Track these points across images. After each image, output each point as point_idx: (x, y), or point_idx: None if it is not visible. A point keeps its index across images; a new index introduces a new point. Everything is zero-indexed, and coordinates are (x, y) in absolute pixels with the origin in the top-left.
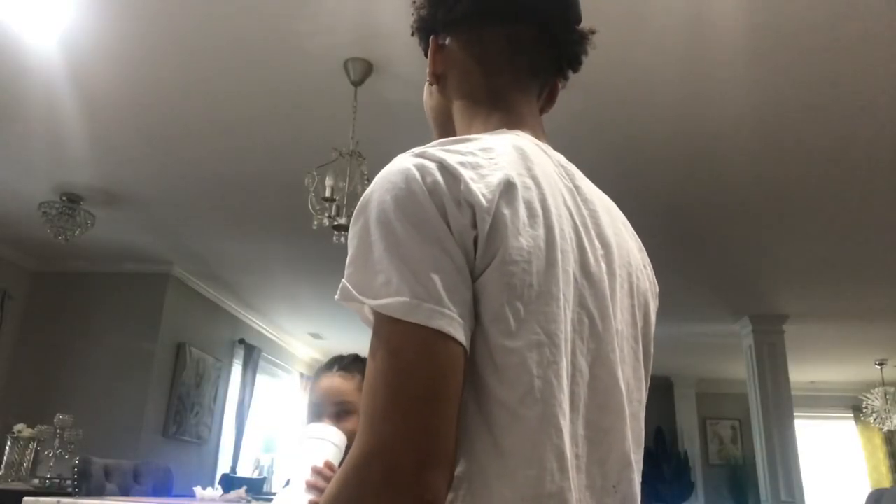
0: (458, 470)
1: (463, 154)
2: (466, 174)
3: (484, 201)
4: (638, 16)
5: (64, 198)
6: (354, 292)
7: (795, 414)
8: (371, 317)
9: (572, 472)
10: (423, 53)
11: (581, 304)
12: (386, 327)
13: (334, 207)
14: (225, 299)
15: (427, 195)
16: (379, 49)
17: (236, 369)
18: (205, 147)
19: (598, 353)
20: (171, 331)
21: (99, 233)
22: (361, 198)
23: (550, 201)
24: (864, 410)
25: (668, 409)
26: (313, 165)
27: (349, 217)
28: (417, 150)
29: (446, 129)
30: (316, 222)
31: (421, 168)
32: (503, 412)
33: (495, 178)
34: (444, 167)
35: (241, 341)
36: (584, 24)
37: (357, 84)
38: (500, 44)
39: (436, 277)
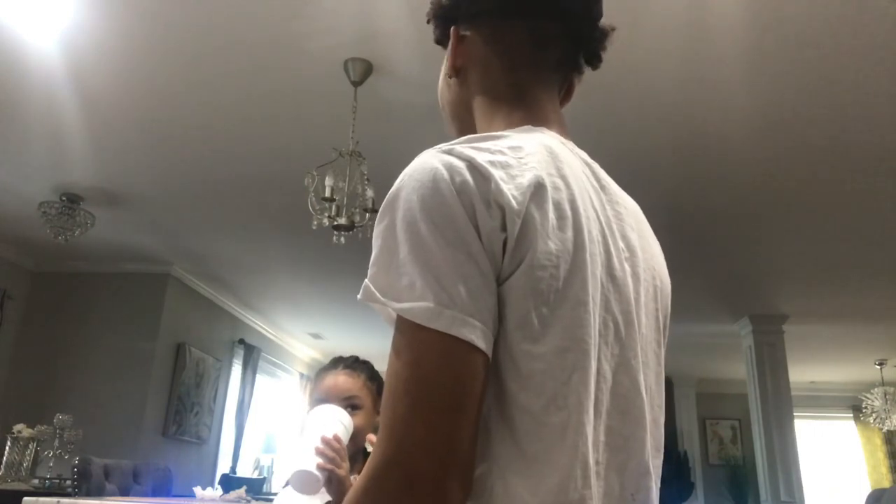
0: (479, 473)
1: (492, 153)
2: (497, 174)
3: (514, 203)
4: (638, 18)
5: (64, 198)
6: (377, 294)
7: (795, 414)
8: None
9: (593, 480)
10: (434, 43)
11: (606, 307)
12: (408, 332)
13: (334, 207)
14: (225, 299)
15: (455, 196)
16: (379, 49)
17: (236, 369)
18: (205, 147)
19: (621, 359)
20: (171, 331)
21: (99, 233)
22: (387, 196)
23: (579, 202)
24: (864, 410)
25: (668, 410)
26: (313, 165)
27: (349, 217)
28: (444, 146)
29: (465, 124)
30: (316, 222)
31: (449, 167)
32: (527, 418)
33: (525, 178)
34: (473, 166)
35: (241, 341)
36: (604, 21)
37: (357, 84)
38: (523, 38)
39: (460, 283)
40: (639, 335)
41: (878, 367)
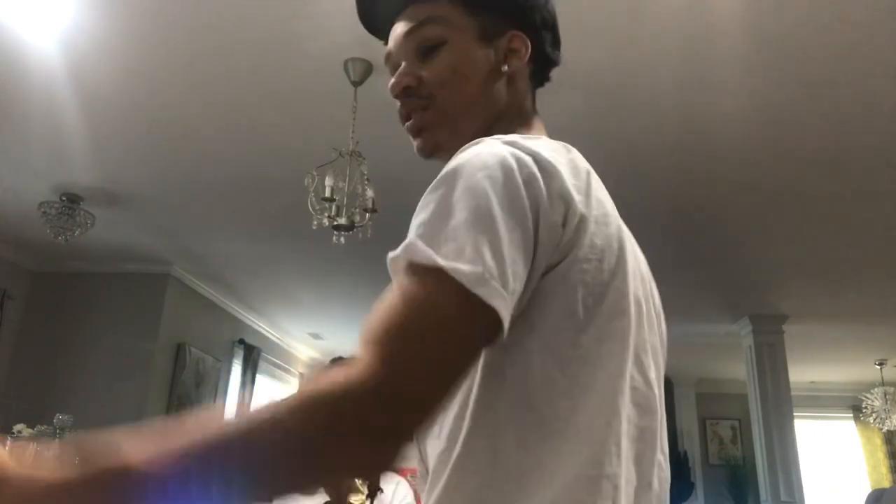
0: (519, 452)
1: (549, 149)
2: (562, 171)
3: (576, 200)
4: (638, 18)
5: (64, 198)
6: (427, 248)
7: (795, 414)
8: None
9: (624, 463)
10: (467, 23)
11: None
12: (438, 292)
13: (334, 207)
14: (225, 299)
15: (522, 187)
16: (379, 49)
17: (236, 369)
18: (205, 147)
19: (637, 353)
20: (171, 331)
21: (99, 233)
22: (445, 170)
23: (611, 202)
24: (864, 410)
25: (668, 410)
26: (313, 165)
27: (349, 217)
28: (504, 139)
29: (479, 122)
30: (315, 222)
31: (517, 158)
32: (566, 401)
33: (580, 174)
34: (538, 161)
35: (241, 341)
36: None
37: (357, 84)
38: (534, 55)
39: (509, 260)
40: (647, 334)
41: (878, 367)
